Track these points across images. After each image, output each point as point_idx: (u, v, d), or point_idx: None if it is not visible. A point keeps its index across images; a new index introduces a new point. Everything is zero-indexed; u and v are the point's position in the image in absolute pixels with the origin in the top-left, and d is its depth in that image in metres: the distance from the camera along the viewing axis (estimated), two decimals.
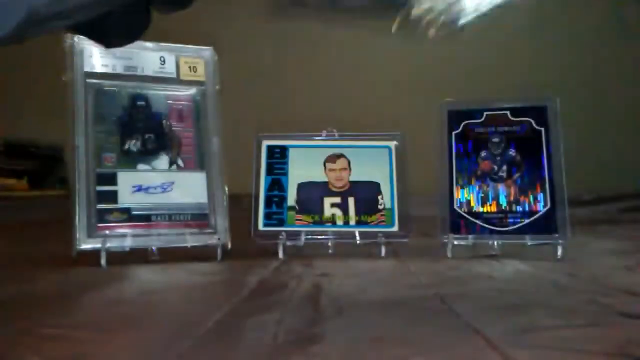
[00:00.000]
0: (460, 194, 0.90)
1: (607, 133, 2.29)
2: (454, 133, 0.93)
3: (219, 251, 0.85)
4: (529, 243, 0.87)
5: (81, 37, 0.80)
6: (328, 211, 0.93)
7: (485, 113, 0.92)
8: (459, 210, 0.90)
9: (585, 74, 2.28)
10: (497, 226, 0.88)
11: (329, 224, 0.92)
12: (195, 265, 0.81)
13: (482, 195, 0.90)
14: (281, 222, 0.92)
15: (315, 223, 0.92)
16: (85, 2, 0.27)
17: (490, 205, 0.89)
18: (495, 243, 0.88)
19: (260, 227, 0.91)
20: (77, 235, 0.79)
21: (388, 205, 0.92)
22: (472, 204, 0.90)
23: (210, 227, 0.87)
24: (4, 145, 2.35)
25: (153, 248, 0.84)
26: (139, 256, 0.83)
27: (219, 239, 0.86)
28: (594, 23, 2.32)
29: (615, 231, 1.35)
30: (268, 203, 0.92)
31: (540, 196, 0.88)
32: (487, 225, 0.89)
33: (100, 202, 0.82)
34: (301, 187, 0.93)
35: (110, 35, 0.41)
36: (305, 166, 0.94)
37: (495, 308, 0.53)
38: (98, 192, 0.82)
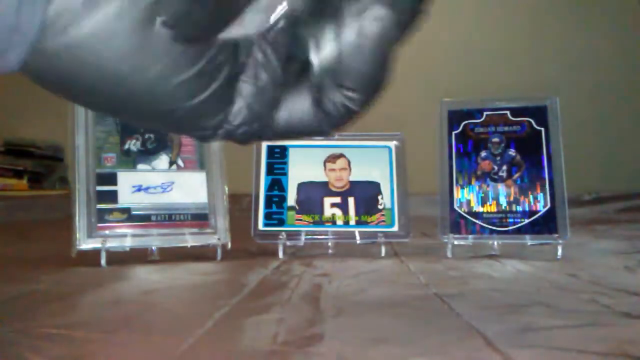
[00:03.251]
0: (460, 194, 0.90)
1: (607, 133, 2.29)
2: (454, 133, 0.92)
3: (219, 251, 0.86)
4: (529, 243, 0.86)
5: None
6: (328, 211, 0.93)
7: (485, 113, 0.92)
8: (459, 210, 0.90)
9: (585, 74, 2.28)
10: (497, 226, 0.88)
11: (329, 224, 0.92)
12: (195, 265, 0.81)
13: (482, 195, 0.90)
14: (281, 222, 0.92)
15: (315, 223, 0.92)
16: None
17: (490, 205, 0.89)
18: (495, 243, 0.88)
19: (260, 227, 0.91)
20: (77, 235, 0.79)
21: (388, 205, 0.92)
22: (472, 204, 0.90)
23: (210, 227, 0.87)
24: (4, 145, 2.36)
25: (153, 248, 0.84)
26: (139, 256, 0.83)
27: (219, 239, 0.86)
28: (594, 23, 2.32)
29: (615, 231, 1.35)
30: (268, 203, 0.92)
31: (540, 196, 0.88)
32: (487, 225, 0.89)
33: (100, 202, 0.82)
34: (301, 187, 0.93)
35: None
36: (305, 166, 0.94)
37: (495, 308, 0.53)
38: (98, 192, 0.82)
